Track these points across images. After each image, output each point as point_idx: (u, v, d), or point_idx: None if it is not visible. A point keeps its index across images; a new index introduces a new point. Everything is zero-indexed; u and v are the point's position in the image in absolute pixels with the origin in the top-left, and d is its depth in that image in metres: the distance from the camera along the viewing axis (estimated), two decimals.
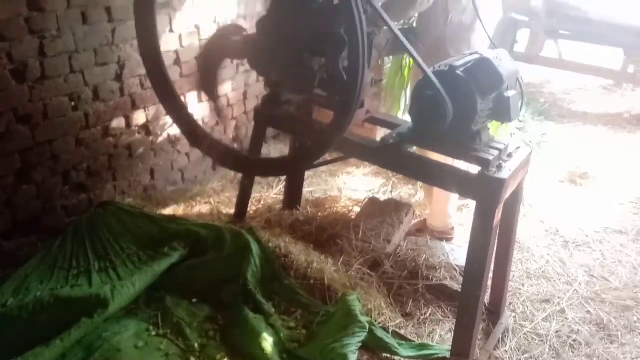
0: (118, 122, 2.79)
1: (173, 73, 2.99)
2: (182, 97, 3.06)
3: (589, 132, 4.54)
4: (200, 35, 3.10)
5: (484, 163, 1.95)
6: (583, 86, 5.69)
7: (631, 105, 5.16)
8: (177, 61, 3.02)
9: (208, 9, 3.11)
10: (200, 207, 3.01)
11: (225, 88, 3.45)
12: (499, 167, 1.97)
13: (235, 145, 3.66)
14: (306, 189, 3.27)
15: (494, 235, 2.04)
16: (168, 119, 2.93)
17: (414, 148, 2.40)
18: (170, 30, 2.91)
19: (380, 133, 3.09)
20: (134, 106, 2.84)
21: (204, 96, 3.28)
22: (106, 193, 2.81)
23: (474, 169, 2.02)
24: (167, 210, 2.93)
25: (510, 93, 1.92)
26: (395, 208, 2.92)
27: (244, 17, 3.38)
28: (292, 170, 2.69)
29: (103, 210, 2.42)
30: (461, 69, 1.89)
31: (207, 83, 2.46)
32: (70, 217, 2.63)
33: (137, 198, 2.96)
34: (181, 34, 2.99)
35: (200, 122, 3.24)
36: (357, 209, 3.06)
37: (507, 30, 4.91)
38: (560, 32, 5.17)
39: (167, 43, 2.91)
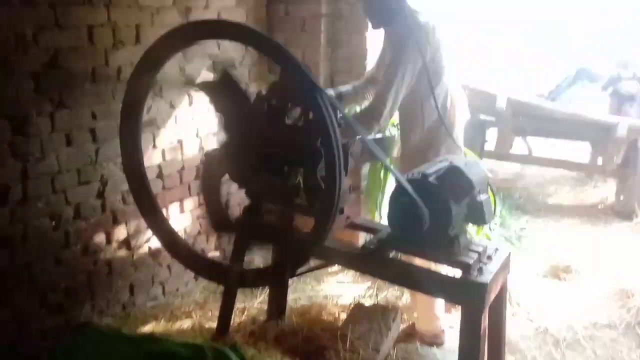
0: (99, 239, 2.78)
1: (156, 186, 3.03)
2: (164, 210, 3.09)
3: (566, 225, 4.62)
4: (183, 149, 3.20)
5: (465, 267, 1.97)
6: (555, 179, 5.87)
7: (604, 196, 5.32)
8: (160, 175, 3.07)
9: (191, 124, 3.23)
10: (182, 323, 2.92)
11: None
12: (481, 270, 1.98)
13: (218, 254, 3.64)
14: (291, 297, 3.21)
15: (483, 341, 2.00)
16: (149, 232, 2.92)
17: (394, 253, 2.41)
18: (154, 147, 2.99)
19: (362, 237, 3.11)
20: (116, 222, 2.85)
21: (186, 207, 3.31)
22: (84, 313, 2.72)
23: (457, 272, 2.03)
24: (147, 328, 2.83)
25: (482, 197, 1.99)
26: (382, 314, 2.86)
27: None
28: (275, 281, 2.66)
29: (79, 335, 2.33)
30: (433, 176, 1.96)
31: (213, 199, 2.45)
32: (46, 342, 2.52)
33: (115, 317, 2.86)
34: (164, 149, 3.08)
35: (182, 233, 3.25)
36: (344, 315, 2.99)
37: (477, 131, 5.16)
38: (527, 130, 5.43)
39: (151, 159, 2.98)
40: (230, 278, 2.38)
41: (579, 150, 5.92)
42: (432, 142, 2.61)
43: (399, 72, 2.39)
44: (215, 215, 2.40)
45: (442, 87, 2.56)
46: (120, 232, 2.89)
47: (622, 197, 4.90)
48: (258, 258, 3.74)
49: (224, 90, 2.13)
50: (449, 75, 2.61)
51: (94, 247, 2.75)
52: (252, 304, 3.17)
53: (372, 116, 2.44)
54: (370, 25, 2.69)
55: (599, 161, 5.13)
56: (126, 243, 2.94)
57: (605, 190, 5.41)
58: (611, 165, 4.88)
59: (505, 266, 2.16)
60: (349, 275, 3.57)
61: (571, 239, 4.27)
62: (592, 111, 5.45)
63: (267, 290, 3.08)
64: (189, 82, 3.04)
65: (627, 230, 4.50)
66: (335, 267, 3.57)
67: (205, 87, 2.24)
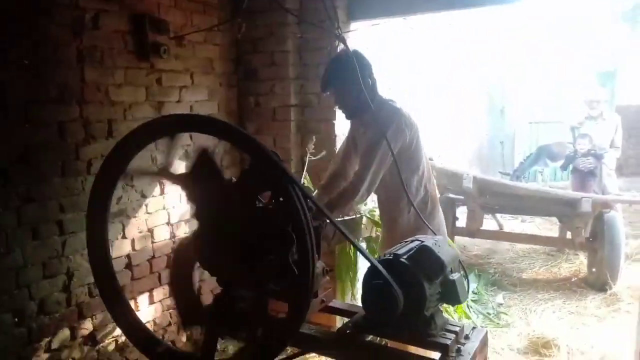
0: (63, 335, 2.65)
1: (124, 277, 2.96)
2: (133, 301, 3.00)
3: (542, 299, 4.61)
4: (153, 238, 3.16)
5: (443, 349, 1.93)
6: (528, 254, 5.94)
7: (577, 269, 5.38)
8: (128, 265, 3.01)
9: (162, 213, 3.22)
10: None
11: None
12: (459, 351, 1.95)
13: (190, 346, 3.49)
14: None
15: None
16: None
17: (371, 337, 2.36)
18: (124, 237, 2.96)
19: (340, 321, 3.05)
20: (81, 316, 2.74)
21: (156, 297, 3.21)
22: None
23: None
24: None
25: (455, 276, 1.99)
26: None
27: None
28: None
29: None
30: (405, 256, 1.98)
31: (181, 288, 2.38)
32: None
33: None
34: (134, 238, 3.04)
35: (151, 325, 3.14)
36: None
37: (447, 209, 5.26)
38: (495, 207, 5.56)
39: (120, 249, 2.93)
40: None
41: (550, 224, 6.05)
42: (419, 224, 2.58)
43: (377, 154, 2.47)
44: (186, 308, 2.34)
45: (423, 169, 2.67)
46: (86, 327, 2.77)
47: (594, 270, 4.96)
48: (232, 347, 3.61)
49: (199, 172, 2.16)
50: (426, 158, 2.73)
51: (58, 343, 2.62)
52: None
53: (349, 195, 2.49)
54: (344, 116, 2.77)
55: (568, 235, 5.24)
56: (92, 338, 2.81)
57: (578, 263, 5.48)
58: (580, 238, 4.98)
59: (484, 345, 2.12)
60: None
61: (548, 313, 4.25)
62: (555, 187, 5.65)
63: None
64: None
65: (601, 302, 4.52)
66: (313, 354, 3.46)
67: (177, 175, 2.26)
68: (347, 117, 2.76)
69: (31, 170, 2.47)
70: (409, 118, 2.61)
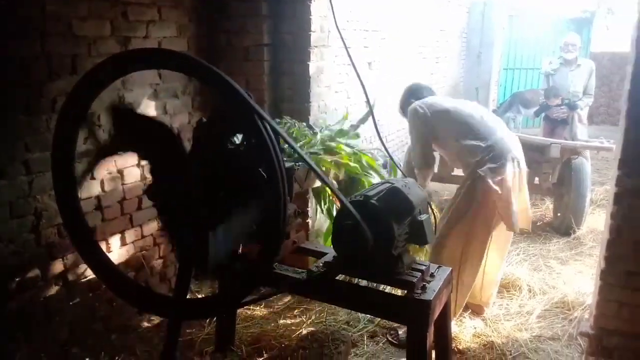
0: (33, 275, 2.64)
1: (95, 219, 2.93)
2: (104, 242, 2.99)
3: None
4: (123, 180, 3.11)
5: (409, 286, 2.00)
6: None
7: (542, 213, 5.55)
8: (98, 207, 2.97)
9: (131, 153, 3.15)
10: None
11: (152, 227, 3.40)
12: (424, 288, 2.02)
13: (164, 286, 3.53)
14: (241, 325, 3.16)
15: (429, 358, 2.02)
16: None
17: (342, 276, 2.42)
18: (92, 178, 2.90)
19: (313, 262, 3.10)
20: (51, 257, 2.72)
21: (128, 239, 3.21)
22: (20, 356, 2.55)
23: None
24: None
25: (423, 217, 2.04)
26: (333, 338, 2.86)
27: None
28: (221, 312, 2.60)
29: None
30: (375, 198, 2.00)
31: None
32: None
33: (53, 357, 2.71)
34: (104, 179, 2.99)
35: (124, 266, 3.15)
36: (295, 342, 2.96)
37: None
38: None
39: (89, 190, 2.88)
40: (173, 310, 2.30)
41: None
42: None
43: (412, 137, 3.60)
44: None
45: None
46: (57, 268, 2.76)
47: (559, 214, 5.12)
48: (205, 288, 3.67)
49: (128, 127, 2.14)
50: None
51: (28, 284, 2.61)
52: (200, 336, 3.08)
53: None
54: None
55: (536, 180, 5.35)
56: (63, 278, 2.80)
57: (543, 208, 5.65)
58: (547, 184, 5.10)
59: (448, 283, 2.20)
60: (300, 299, 3.54)
61: (512, 256, 4.40)
62: (525, 133, 5.72)
63: (215, 321, 3.02)
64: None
65: (565, 246, 4.70)
66: (285, 294, 3.54)
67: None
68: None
69: None
70: (425, 114, 3.45)
